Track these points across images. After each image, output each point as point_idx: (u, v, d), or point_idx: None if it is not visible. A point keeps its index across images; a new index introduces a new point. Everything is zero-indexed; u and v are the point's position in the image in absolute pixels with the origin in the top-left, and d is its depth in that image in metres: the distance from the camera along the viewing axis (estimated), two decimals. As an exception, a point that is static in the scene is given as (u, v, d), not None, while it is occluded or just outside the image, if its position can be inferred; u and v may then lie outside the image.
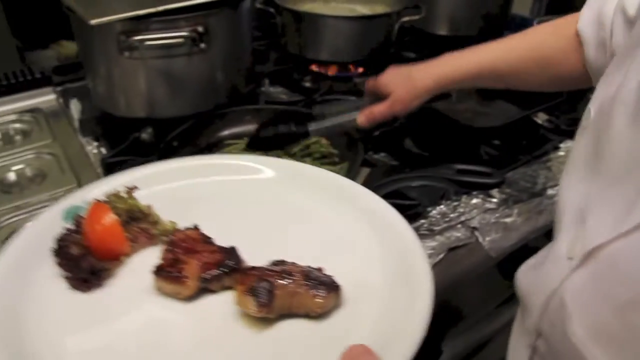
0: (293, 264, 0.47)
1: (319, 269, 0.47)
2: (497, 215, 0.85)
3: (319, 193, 0.59)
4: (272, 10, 1.25)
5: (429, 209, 0.85)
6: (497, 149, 1.00)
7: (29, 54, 1.28)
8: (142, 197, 0.56)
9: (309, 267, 0.47)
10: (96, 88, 1.05)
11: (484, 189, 0.84)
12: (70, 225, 0.53)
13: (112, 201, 0.54)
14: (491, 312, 0.98)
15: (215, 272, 0.47)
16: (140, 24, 0.89)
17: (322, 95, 1.14)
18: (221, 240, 0.52)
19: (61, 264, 0.50)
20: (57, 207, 0.56)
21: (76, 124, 1.10)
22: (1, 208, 0.87)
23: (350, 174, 0.78)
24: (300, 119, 0.86)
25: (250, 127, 0.96)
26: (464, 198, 0.88)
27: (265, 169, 0.64)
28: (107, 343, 0.44)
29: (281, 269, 0.46)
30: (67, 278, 0.49)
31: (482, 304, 0.97)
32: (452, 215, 0.84)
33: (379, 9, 1.35)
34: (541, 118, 0.98)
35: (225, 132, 0.97)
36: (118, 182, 0.59)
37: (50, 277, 0.49)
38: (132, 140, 0.98)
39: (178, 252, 0.49)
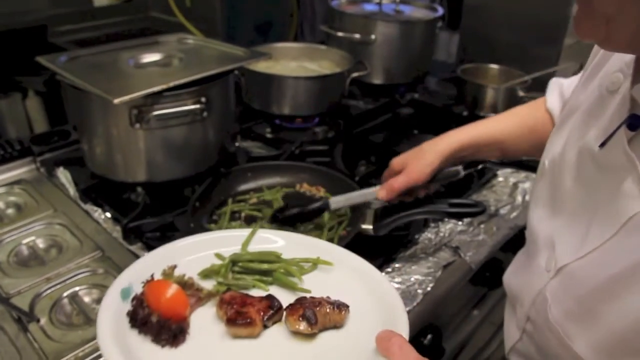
0: (312, 297, 0.65)
1: (328, 297, 0.66)
2: (469, 235, 1.06)
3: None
4: (236, 71, 1.39)
5: (417, 236, 1.05)
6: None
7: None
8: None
9: (322, 297, 0.65)
10: (94, 156, 1.11)
11: (472, 217, 1.04)
12: (129, 304, 0.63)
13: (166, 277, 0.67)
14: (467, 314, 1.19)
15: (270, 312, 0.63)
16: (153, 98, 0.99)
17: (297, 148, 1.29)
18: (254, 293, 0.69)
19: (145, 332, 0.61)
20: (111, 293, 0.64)
21: (71, 191, 1.15)
22: (34, 281, 0.91)
23: (361, 217, 0.94)
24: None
25: (253, 184, 1.10)
26: (440, 224, 1.08)
27: (278, 239, 0.77)
28: None
29: (310, 301, 0.64)
30: (156, 340, 0.60)
31: (461, 309, 1.17)
32: (436, 240, 1.04)
33: (325, 65, 1.55)
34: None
35: (233, 190, 1.09)
36: (149, 261, 0.70)
37: (141, 341, 0.60)
38: (143, 205, 1.06)
39: (236, 307, 0.63)
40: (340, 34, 1.60)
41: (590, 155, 0.63)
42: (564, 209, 0.69)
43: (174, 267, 0.68)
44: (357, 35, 1.59)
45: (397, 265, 0.97)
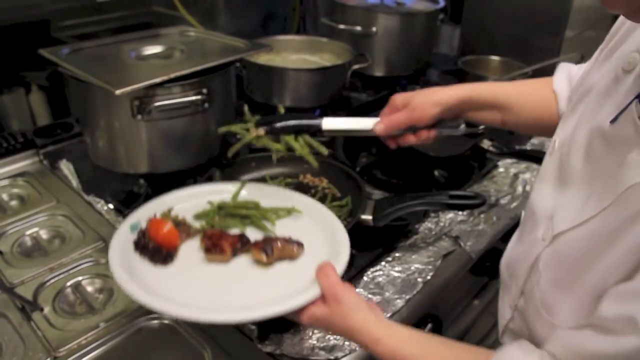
0: (276, 237, 0.81)
1: (290, 237, 0.81)
2: (469, 224, 1.07)
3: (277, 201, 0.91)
4: (238, 64, 1.39)
5: (417, 225, 1.05)
6: (448, 172, 1.23)
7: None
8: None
9: (284, 237, 0.81)
10: (96, 148, 1.12)
11: (472, 209, 1.05)
12: (135, 235, 0.82)
13: (164, 217, 0.86)
14: (468, 304, 1.19)
15: (238, 244, 0.80)
16: (154, 90, 1.00)
17: (299, 138, 1.29)
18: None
19: (144, 254, 0.79)
20: (123, 226, 0.83)
21: (74, 183, 1.16)
22: (38, 271, 0.92)
23: (361, 207, 0.95)
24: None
25: (256, 174, 1.12)
26: (440, 214, 1.08)
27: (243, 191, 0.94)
28: (190, 285, 0.75)
29: (272, 238, 0.80)
30: (151, 260, 0.78)
31: (461, 299, 1.17)
32: (436, 229, 1.05)
33: (327, 57, 1.55)
34: (486, 144, 1.23)
35: (236, 179, 1.09)
36: (154, 205, 0.88)
37: (141, 262, 0.78)
38: (145, 196, 1.07)
39: (214, 239, 0.80)
40: (341, 26, 1.60)
41: (601, 133, 0.63)
42: (568, 184, 0.69)
43: (171, 209, 0.88)
44: (359, 28, 1.59)
45: (397, 254, 0.98)
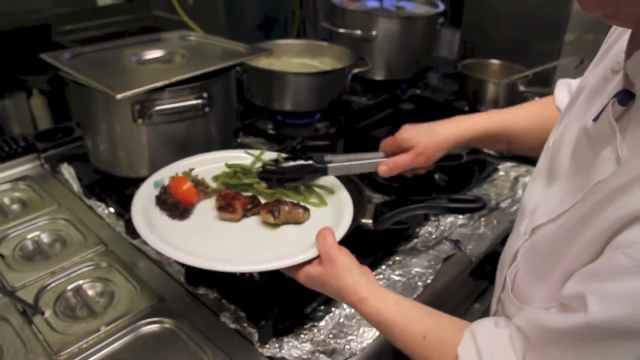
0: (285, 201, 0.87)
1: (298, 202, 0.88)
2: (470, 228, 1.07)
3: None
4: (238, 68, 1.40)
5: (417, 229, 1.05)
6: (448, 176, 1.24)
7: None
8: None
9: (292, 201, 0.87)
10: (97, 152, 1.13)
11: (472, 212, 1.05)
12: (158, 191, 0.90)
13: (185, 175, 0.93)
14: (468, 308, 1.19)
15: (249, 206, 0.87)
16: (155, 94, 1.00)
17: (299, 143, 1.30)
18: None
19: (163, 208, 0.87)
20: (148, 182, 0.92)
21: (75, 187, 1.16)
22: (39, 274, 0.92)
23: (361, 211, 0.95)
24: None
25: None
26: (441, 217, 1.09)
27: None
28: (201, 239, 0.82)
29: (281, 202, 0.86)
30: (169, 215, 0.87)
31: (462, 302, 1.17)
32: (437, 233, 1.05)
33: (327, 61, 1.56)
34: (485, 147, 1.23)
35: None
36: (178, 166, 0.96)
37: (160, 215, 0.87)
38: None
39: (227, 199, 0.87)
40: (341, 30, 1.60)
41: (585, 131, 0.65)
42: (555, 180, 0.71)
43: (192, 169, 0.95)
44: (358, 32, 1.59)
45: (397, 258, 0.98)
